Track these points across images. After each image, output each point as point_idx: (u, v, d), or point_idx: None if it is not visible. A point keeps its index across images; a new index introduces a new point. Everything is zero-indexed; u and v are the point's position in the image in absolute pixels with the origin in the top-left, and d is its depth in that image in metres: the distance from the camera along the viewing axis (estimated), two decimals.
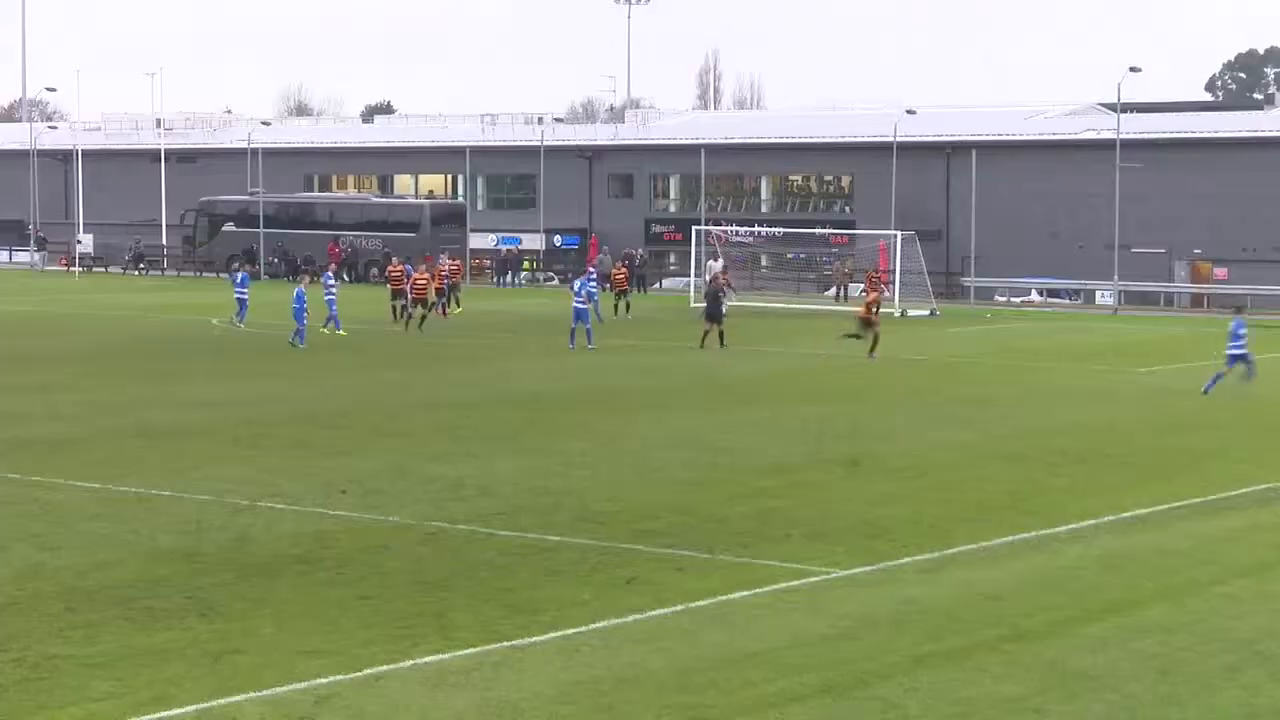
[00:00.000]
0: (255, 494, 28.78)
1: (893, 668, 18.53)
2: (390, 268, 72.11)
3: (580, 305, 59.86)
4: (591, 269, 74.07)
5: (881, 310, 66.51)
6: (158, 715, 16.56)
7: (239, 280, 68.57)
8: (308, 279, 63.85)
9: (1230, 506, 29.13)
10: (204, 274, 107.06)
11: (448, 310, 70.98)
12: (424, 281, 66.20)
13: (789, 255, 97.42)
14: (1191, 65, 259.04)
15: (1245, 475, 32.02)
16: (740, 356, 56.77)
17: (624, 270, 79.61)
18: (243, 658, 18.66)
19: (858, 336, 55.82)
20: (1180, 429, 39.58)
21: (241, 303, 66.40)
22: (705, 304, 61.29)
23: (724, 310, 59.65)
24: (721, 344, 57.77)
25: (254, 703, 16.98)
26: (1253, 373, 45.91)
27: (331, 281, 64.96)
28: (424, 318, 64.91)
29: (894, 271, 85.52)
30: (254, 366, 51.70)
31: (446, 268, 74.21)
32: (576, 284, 62.17)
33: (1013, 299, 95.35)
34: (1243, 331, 46.49)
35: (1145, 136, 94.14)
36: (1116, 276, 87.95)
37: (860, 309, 58.69)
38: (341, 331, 61.17)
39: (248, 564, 23.51)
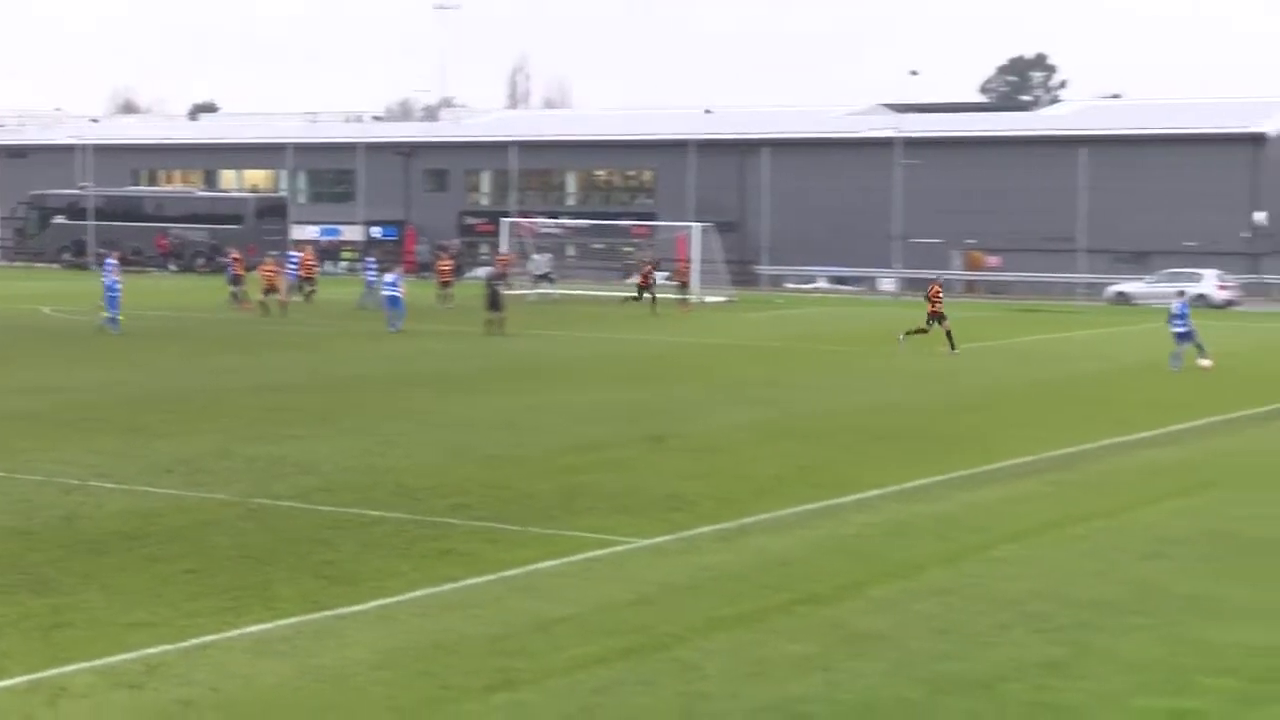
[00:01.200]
0: (85, 474, 28.37)
1: (691, 630, 18.60)
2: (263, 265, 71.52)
3: (395, 293, 61.41)
4: (369, 262, 75.88)
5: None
6: None
7: (106, 268, 65.89)
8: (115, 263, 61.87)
9: (1001, 478, 29.55)
10: (35, 264, 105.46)
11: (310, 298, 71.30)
12: (271, 272, 67.28)
13: (594, 245, 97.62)
14: (966, 70, 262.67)
15: (1014, 449, 32.52)
16: (549, 341, 56.82)
17: (451, 262, 79.98)
18: (74, 630, 18.40)
19: (923, 331, 55.35)
20: (954, 408, 40.11)
21: (112, 291, 62.31)
22: (487, 295, 60.55)
23: (503, 300, 59.85)
24: (502, 332, 57.63)
25: (85, 672, 16.75)
26: (1193, 349, 48.14)
27: (388, 278, 64.44)
28: (284, 304, 66.93)
29: (694, 261, 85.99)
30: (84, 353, 50.95)
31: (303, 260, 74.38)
32: (390, 277, 63.36)
33: (803, 286, 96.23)
34: (1185, 312, 48.98)
35: (923, 135, 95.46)
36: (898, 265, 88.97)
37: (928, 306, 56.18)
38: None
39: (78, 541, 23.17)
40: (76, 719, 15.33)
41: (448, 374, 46.09)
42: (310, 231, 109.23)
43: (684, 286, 77.12)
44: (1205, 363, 47.65)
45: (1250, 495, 28.05)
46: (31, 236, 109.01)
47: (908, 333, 54.98)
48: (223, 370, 46.36)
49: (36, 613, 19.10)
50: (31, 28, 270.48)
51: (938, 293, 56.77)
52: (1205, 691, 15.88)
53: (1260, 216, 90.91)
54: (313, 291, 71.70)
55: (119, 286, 59.44)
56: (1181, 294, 52.74)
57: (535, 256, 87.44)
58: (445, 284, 76.29)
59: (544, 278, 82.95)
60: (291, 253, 78.50)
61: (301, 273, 73.44)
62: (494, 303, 58.99)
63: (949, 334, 54.19)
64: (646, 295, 74.19)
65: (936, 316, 55.35)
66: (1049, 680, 16.41)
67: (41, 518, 24.71)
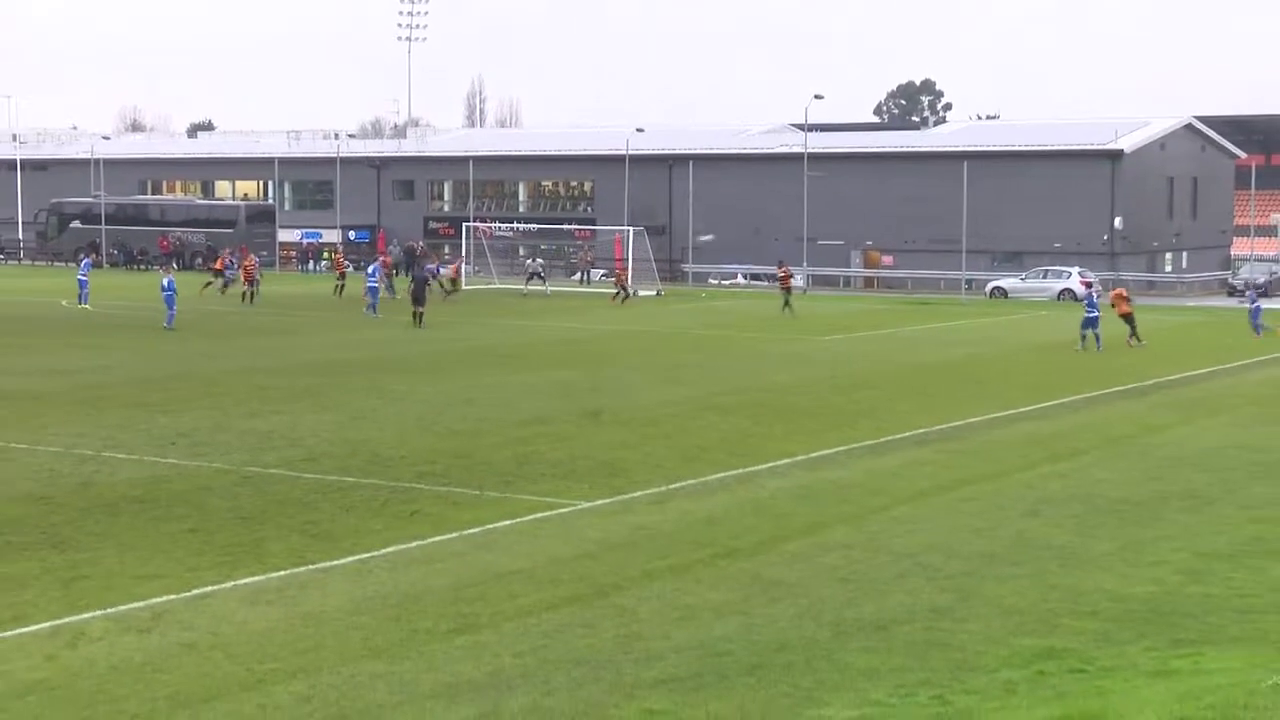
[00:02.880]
0: (99, 446, 28.23)
1: (628, 581, 18.63)
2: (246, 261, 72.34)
3: (373, 284, 63.18)
4: (382, 257, 76.58)
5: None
6: (17, 631, 16.21)
7: (83, 267, 67.86)
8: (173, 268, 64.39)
9: (896, 447, 29.68)
10: (54, 264, 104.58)
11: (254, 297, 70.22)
12: (251, 267, 69.53)
13: (542, 246, 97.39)
14: (862, 93, 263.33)
15: (906, 423, 32.68)
16: (502, 330, 56.71)
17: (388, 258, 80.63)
18: (90, 582, 18.31)
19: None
20: (856, 386, 40.23)
21: (82, 285, 65.17)
22: (412, 288, 58.90)
23: (425, 298, 58.60)
24: (420, 324, 56.46)
25: (100, 619, 16.69)
26: (1099, 342, 49.50)
27: (369, 270, 67.18)
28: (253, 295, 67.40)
29: (628, 259, 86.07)
30: (95, 340, 50.58)
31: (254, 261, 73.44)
32: (370, 268, 66.64)
33: (723, 281, 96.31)
34: (1096, 300, 50.78)
35: (827, 150, 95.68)
36: (805, 263, 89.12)
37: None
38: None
39: (93, 504, 23.05)
40: (93, 660, 15.27)
41: (412, 358, 45.96)
42: (295, 235, 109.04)
43: (619, 284, 76.24)
44: (1099, 349, 49.39)
45: (1113, 462, 28.28)
46: (51, 239, 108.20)
47: None
48: (216, 355, 46.09)
49: (57, 567, 19.02)
50: (48, 55, 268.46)
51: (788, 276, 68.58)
52: (1072, 632, 15.98)
53: (1118, 222, 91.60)
54: (254, 293, 69.69)
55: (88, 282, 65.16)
56: (1089, 285, 55.21)
57: (532, 260, 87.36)
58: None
59: (536, 275, 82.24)
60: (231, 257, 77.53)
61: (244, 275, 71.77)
62: (418, 297, 58.02)
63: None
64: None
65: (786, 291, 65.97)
66: (939, 623, 16.48)
67: (61, 484, 24.59)
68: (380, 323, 58.56)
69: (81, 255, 79.39)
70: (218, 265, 75.74)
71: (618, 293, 74.58)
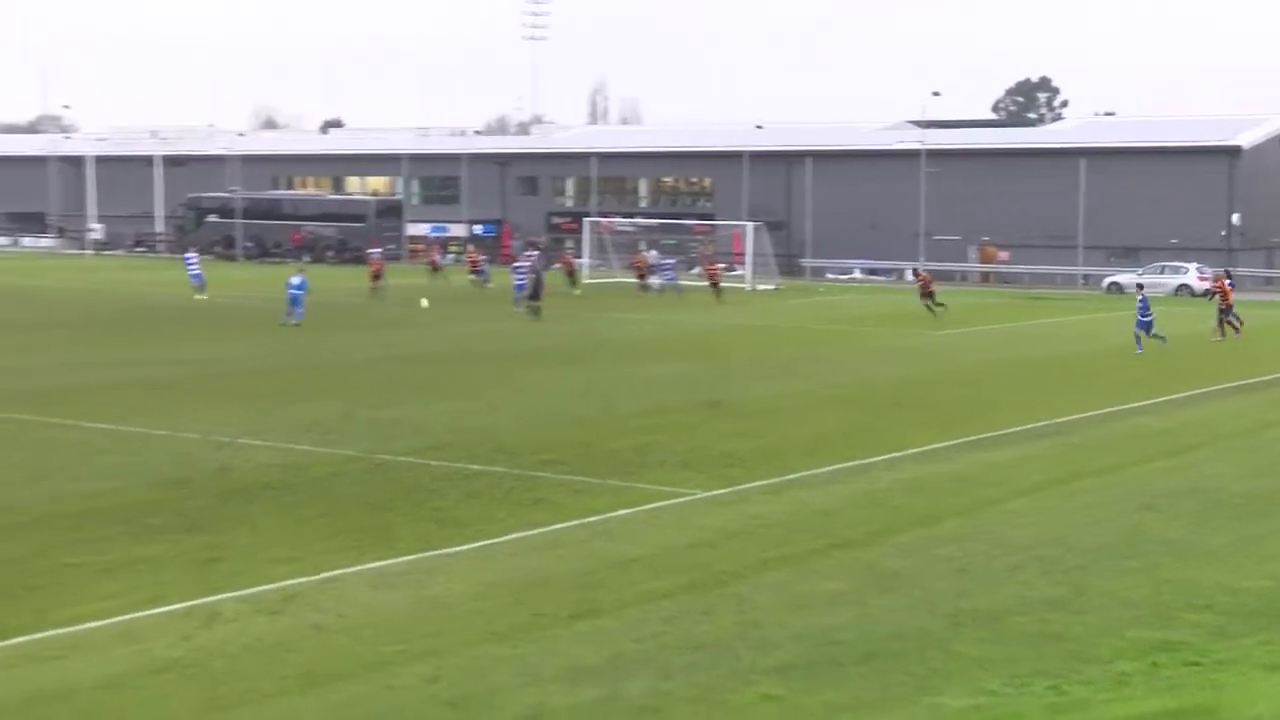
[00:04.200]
0: (234, 433, 28.57)
1: (744, 569, 18.61)
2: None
3: (520, 281, 60.75)
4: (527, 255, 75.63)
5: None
6: (155, 611, 16.45)
7: (192, 261, 69.51)
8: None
9: (1008, 441, 29.41)
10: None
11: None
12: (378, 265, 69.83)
13: (663, 241, 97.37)
14: (981, 91, 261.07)
15: (1019, 416, 32.33)
16: (622, 323, 56.80)
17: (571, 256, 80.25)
18: (224, 564, 18.55)
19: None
20: (970, 380, 39.93)
21: (195, 278, 67.04)
22: (530, 286, 58.84)
23: (541, 292, 58.45)
24: (538, 317, 56.40)
25: (233, 600, 16.89)
26: (1163, 340, 47.31)
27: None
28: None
29: (746, 254, 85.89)
30: (230, 332, 51.26)
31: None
32: (517, 265, 64.72)
33: (839, 276, 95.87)
34: (1146, 303, 48.31)
35: (944, 147, 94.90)
36: (922, 258, 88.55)
37: None
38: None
39: (228, 489, 23.36)
40: (227, 640, 15.46)
41: (535, 350, 46.16)
42: (423, 229, 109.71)
43: (715, 283, 72.82)
44: (1145, 347, 47.12)
45: (1226, 457, 27.88)
46: (189, 233, 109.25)
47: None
48: (346, 346, 46.53)
49: (193, 550, 19.28)
50: (187, 55, 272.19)
51: (927, 281, 63.26)
52: (1187, 625, 15.78)
53: (1235, 218, 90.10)
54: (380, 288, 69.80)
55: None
56: (1140, 287, 52.99)
57: (652, 253, 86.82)
58: (477, 272, 76.21)
59: (657, 270, 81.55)
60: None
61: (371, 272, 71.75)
62: (535, 292, 58.01)
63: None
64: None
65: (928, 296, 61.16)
66: (1052, 615, 16.34)
67: (198, 469, 24.93)
68: (507, 316, 58.59)
69: (190, 253, 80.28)
70: (471, 263, 77.00)
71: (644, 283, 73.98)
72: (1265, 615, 16.13)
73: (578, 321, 56.85)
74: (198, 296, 64.84)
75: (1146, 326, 47.58)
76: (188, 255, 72.67)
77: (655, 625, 16.03)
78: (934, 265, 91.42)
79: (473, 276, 75.45)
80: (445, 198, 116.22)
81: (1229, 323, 52.09)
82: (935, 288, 62.65)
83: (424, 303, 62.09)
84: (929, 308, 60.63)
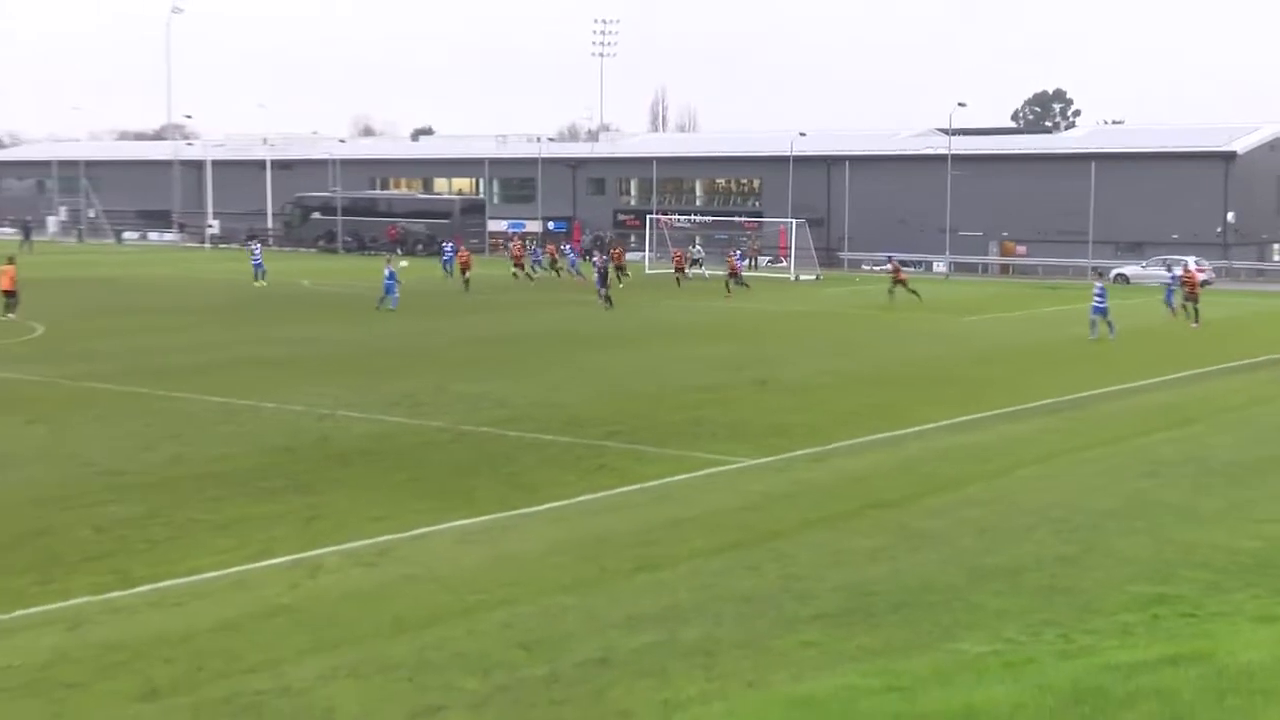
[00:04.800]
0: (334, 405, 28.75)
1: (788, 529, 18.58)
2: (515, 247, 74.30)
3: (600, 270, 59.40)
4: (576, 245, 75.92)
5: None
6: (266, 563, 16.58)
7: (255, 251, 70.36)
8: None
9: (1026, 415, 29.25)
10: (298, 249, 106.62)
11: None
12: (466, 257, 68.55)
13: (716, 235, 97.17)
14: (1001, 101, 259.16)
15: (1036, 393, 32.18)
16: (679, 310, 56.73)
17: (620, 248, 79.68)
18: (326, 522, 18.67)
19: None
20: (992, 361, 39.69)
21: (257, 267, 68.28)
22: (599, 277, 57.44)
23: (608, 281, 57.37)
24: (610, 304, 54.99)
25: (334, 554, 17.00)
26: (1112, 329, 45.28)
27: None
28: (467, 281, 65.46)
29: (790, 248, 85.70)
30: (330, 316, 51.51)
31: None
32: (598, 258, 64.15)
33: (875, 268, 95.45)
34: (1104, 293, 46.10)
35: (968, 152, 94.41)
36: (948, 252, 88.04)
37: None
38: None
39: (329, 455, 23.50)
40: (329, 588, 15.57)
41: (602, 334, 46.18)
42: (502, 225, 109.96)
43: (733, 273, 67.48)
44: (1111, 336, 44.96)
45: (1224, 430, 27.62)
46: (295, 228, 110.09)
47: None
48: (435, 330, 46.71)
49: (298, 509, 19.41)
50: (293, 68, 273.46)
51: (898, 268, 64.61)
52: (1185, 580, 15.66)
53: (1230, 216, 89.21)
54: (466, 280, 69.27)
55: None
56: (1100, 275, 50.79)
57: (695, 247, 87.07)
58: (619, 268, 72.18)
59: (697, 262, 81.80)
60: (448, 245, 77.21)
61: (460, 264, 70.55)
62: (603, 280, 56.94)
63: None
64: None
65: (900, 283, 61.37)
66: (1064, 570, 16.24)
67: (303, 438, 25.09)
68: (580, 304, 58.59)
69: (254, 243, 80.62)
70: (550, 254, 76.79)
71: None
72: (1256, 572, 15.98)
73: (637, 308, 56.81)
74: (257, 283, 65.41)
75: (1102, 313, 45.73)
76: (253, 246, 73.54)
77: (707, 578, 16.02)
78: (958, 258, 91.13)
79: (551, 269, 75.29)
80: (522, 197, 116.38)
81: (1189, 307, 51.26)
82: (905, 275, 63.38)
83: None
84: (890, 292, 61.37)
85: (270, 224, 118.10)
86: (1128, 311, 59.23)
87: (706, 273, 78.74)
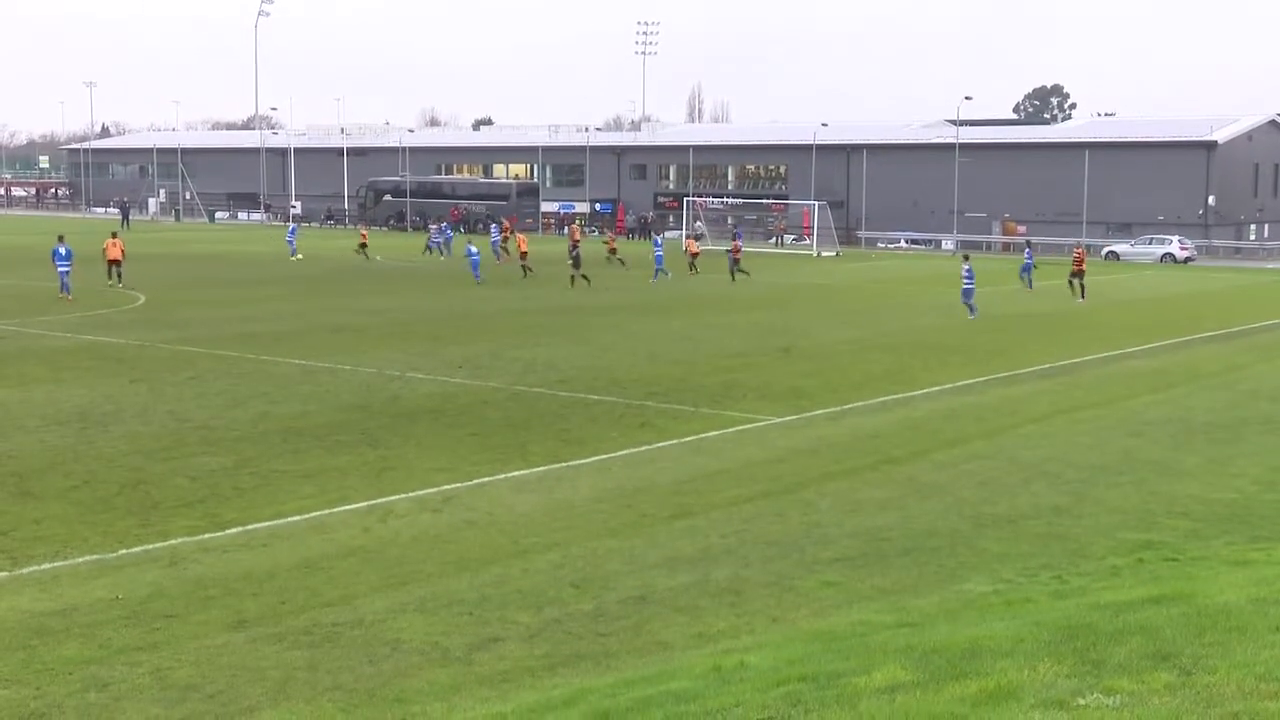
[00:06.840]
0: (403, 368, 28.83)
1: (810, 480, 18.56)
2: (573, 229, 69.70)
3: (659, 252, 58.03)
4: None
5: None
6: (342, 508, 16.65)
7: (290, 230, 70.86)
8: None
9: (1024, 379, 29.11)
10: (371, 228, 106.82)
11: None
12: (521, 241, 65.26)
13: (746, 216, 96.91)
14: (1004, 95, 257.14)
15: (1033, 359, 32.04)
16: (711, 283, 56.58)
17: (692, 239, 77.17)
18: (396, 472, 18.73)
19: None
20: (994, 330, 39.47)
21: (292, 243, 69.38)
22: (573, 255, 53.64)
23: (581, 260, 53.58)
24: (588, 283, 51.74)
25: (403, 501, 17.07)
26: (973, 311, 41.91)
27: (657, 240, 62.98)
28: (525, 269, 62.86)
29: (813, 227, 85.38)
30: (398, 288, 51.64)
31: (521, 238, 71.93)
32: (656, 239, 62.98)
33: (888, 245, 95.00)
34: (971, 274, 42.63)
35: (973, 141, 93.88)
36: (955, 231, 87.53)
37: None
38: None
39: (399, 413, 23.57)
40: (398, 531, 15.64)
41: (641, 304, 46.14)
42: (554, 206, 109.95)
43: (737, 262, 67.31)
44: (971, 317, 41.21)
45: (1203, 393, 27.41)
46: (369, 209, 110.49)
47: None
48: (493, 300, 46.74)
49: (371, 460, 19.48)
50: (367, 64, 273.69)
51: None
52: (1167, 528, 15.57)
53: (1211, 200, 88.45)
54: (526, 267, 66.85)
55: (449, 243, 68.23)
56: (966, 257, 44.96)
57: (698, 224, 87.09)
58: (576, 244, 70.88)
59: (700, 238, 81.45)
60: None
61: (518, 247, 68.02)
62: (575, 261, 53.10)
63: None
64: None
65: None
66: (1058, 519, 16.17)
67: (375, 397, 25.18)
68: (623, 276, 58.39)
69: (291, 220, 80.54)
70: (505, 233, 71.59)
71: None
72: (1231, 521, 15.88)
73: (673, 283, 56.71)
74: (294, 258, 66.14)
75: (967, 294, 42.26)
76: (292, 225, 74.00)
77: (738, 524, 16.02)
78: (964, 237, 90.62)
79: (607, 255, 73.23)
80: (572, 181, 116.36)
81: (1076, 284, 50.07)
82: (741, 255, 57.35)
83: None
84: (732, 274, 56.24)
85: (347, 205, 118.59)
86: (1115, 286, 58.87)
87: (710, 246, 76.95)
